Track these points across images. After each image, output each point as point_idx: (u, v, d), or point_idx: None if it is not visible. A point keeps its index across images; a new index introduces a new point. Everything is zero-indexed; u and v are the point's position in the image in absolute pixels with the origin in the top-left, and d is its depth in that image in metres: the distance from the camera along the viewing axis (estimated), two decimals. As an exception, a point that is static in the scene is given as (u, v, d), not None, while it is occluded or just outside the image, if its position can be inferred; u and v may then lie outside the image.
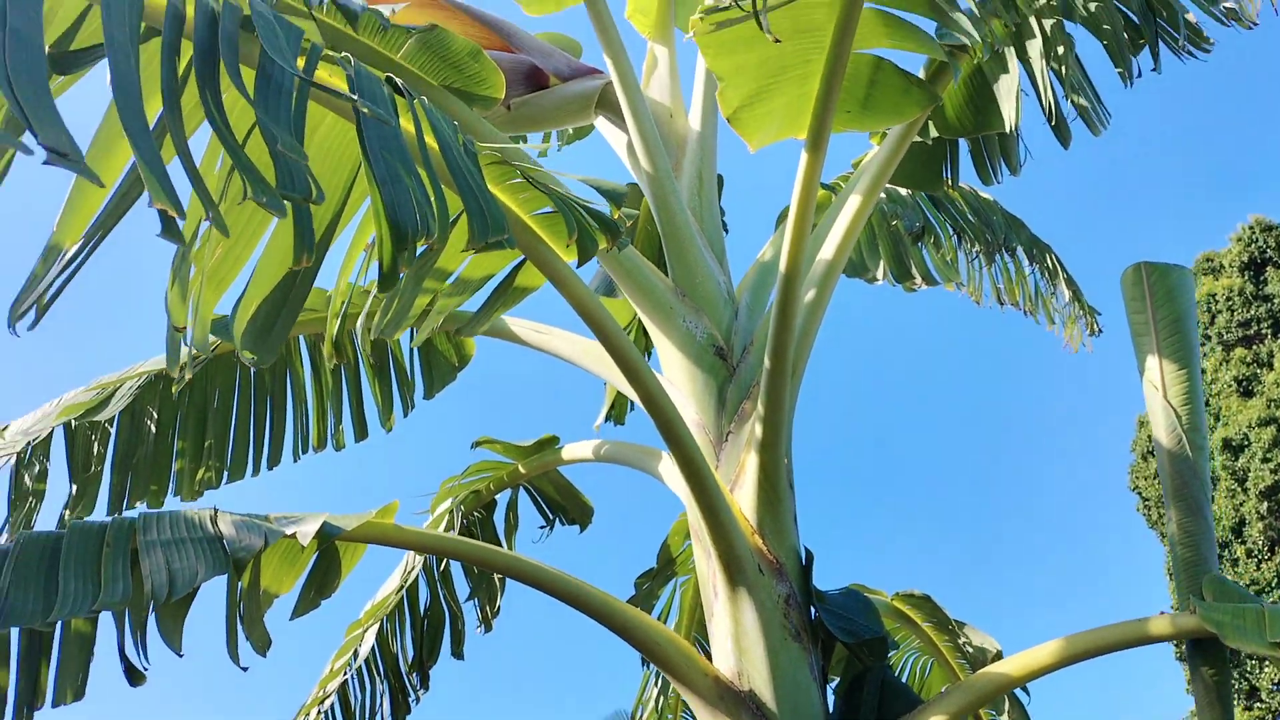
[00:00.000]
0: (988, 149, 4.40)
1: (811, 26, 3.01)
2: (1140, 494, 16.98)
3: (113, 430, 4.03)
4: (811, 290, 3.74)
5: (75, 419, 3.85)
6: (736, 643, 3.30)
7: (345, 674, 4.64)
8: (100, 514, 4.02)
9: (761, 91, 3.19)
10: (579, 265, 2.79)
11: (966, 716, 3.31)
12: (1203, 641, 3.25)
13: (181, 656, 2.70)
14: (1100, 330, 5.56)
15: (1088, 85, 3.95)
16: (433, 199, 2.16)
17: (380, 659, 4.70)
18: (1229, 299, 16.72)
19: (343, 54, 2.29)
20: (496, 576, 4.92)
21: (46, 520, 3.96)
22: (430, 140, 2.38)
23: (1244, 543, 14.83)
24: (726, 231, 5.19)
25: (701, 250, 3.92)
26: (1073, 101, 3.84)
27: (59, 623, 2.69)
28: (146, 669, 2.66)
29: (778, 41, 2.88)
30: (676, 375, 3.79)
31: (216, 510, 2.78)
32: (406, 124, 2.37)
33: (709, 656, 3.42)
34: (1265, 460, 14.92)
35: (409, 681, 4.75)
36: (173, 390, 4.03)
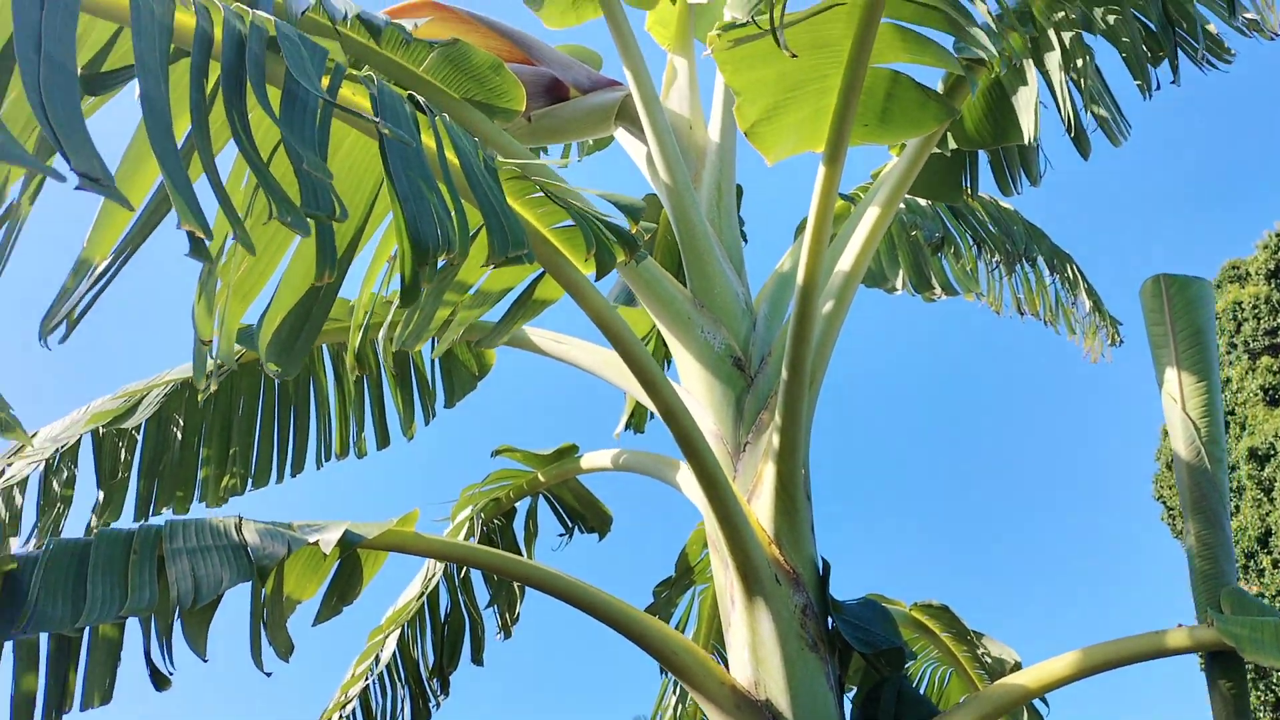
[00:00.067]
0: (1007, 160, 4.40)
1: (828, 42, 3.04)
2: (1165, 503, 16.84)
3: (140, 437, 4.10)
4: (830, 301, 3.76)
5: (103, 426, 3.91)
6: (753, 652, 3.32)
7: (367, 679, 4.69)
8: (127, 520, 4.08)
9: (779, 106, 3.22)
10: (597, 279, 2.83)
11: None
12: (1221, 655, 3.24)
13: (206, 661, 2.75)
14: (1121, 341, 5.55)
15: (1108, 96, 3.95)
16: (453, 215, 2.20)
17: (401, 664, 4.74)
18: (1255, 307, 16.57)
19: (365, 72, 2.33)
20: (515, 584, 4.96)
21: (74, 525, 4.02)
22: (451, 156, 2.42)
23: (1270, 553, 14.69)
24: (745, 242, 5.22)
25: (720, 261, 3.94)
26: (1092, 113, 3.85)
27: (87, 628, 2.74)
28: (172, 674, 2.72)
29: (794, 57, 2.90)
30: (694, 385, 3.82)
31: (241, 518, 2.83)
32: (428, 140, 2.41)
33: (727, 665, 3.45)
34: (1292, 470, 14.78)
35: (429, 687, 4.79)
36: (199, 398, 4.09)
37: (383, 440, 4.58)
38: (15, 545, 3.87)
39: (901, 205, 5.30)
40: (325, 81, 2.14)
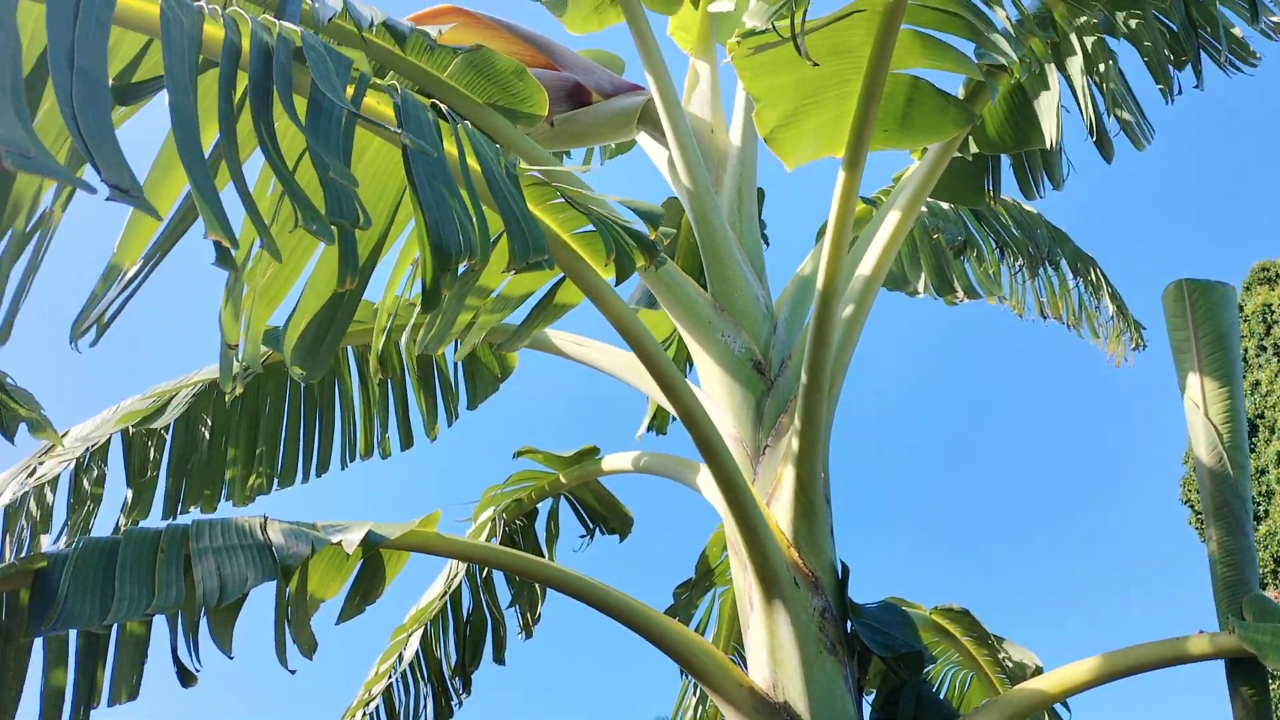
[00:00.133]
0: (1030, 163, 4.39)
1: (848, 48, 3.05)
2: (1192, 507, 16.70)
3: (168, 437, 4.16)
4: (850, 305, 3.77)
5: (133, 426, 3.98)
6: (772, 655, 3.33)
7: (390, 677, 4.74)
8: (155, 518, 4.15)
9: (798, 112, 3.24)
10: (618, 284, 2.85)
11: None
12: (1243, 662, 3.23)
13: (232, 659, 2.80)
14: (1145, 345, 5.52)
15: (1131, 99, 3.94)
16: (475, 221, 2.24)
17: (424, 663, 4.79)
18: (1285, 309, 16.39)
19: (389, 81, 2.38)
20: (537, 585, 5.00)
21: (104, 523, 4.09)
22: (473, 163, 2.45)
23: (1299, 558, 14.53)
24: (767, 245, 5.23)
25: (741, 265, 3.96)
26: (1115, 116, 3.84)
27: (115, 625, 2.80)
28: (198, 670, 2.77)
29: (816, 66, 2.92)
30: (714, 389, 3.84)
31: (266, 518, 2.88)
32: (450, 147, 2.44)
33: (747, 668, 3.46)
34: (1322, 474, 14.62)
35: (452, 686, 4.83)
36: (226, 399, 4.15)
37: (406, 441, 4.63)
38: (46, 543, 3.94)
39: (923, 208, 5.30)
40: (350, 91, 2.18)
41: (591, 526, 5.17)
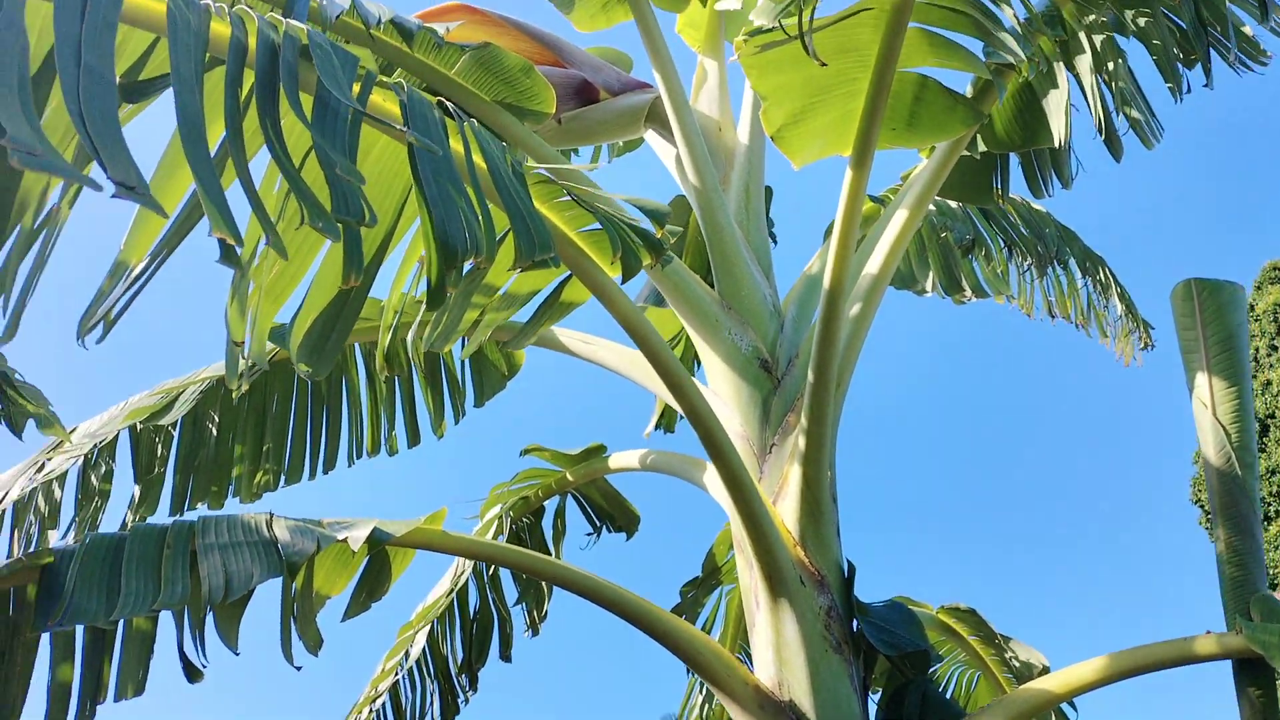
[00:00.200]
0: (1039, 162, 4.38)
1: (856, 46, 3.05)
2: (1202, 507, 16.64)
3: (175, 434, 4.18)
4: (857, 304, 3.76)
5: (140, 422, 3.99)
6: (777, 653, 3.33)
7: (397, 674, 4.75)
8: (163, 514, 4.17)
9: (805, 110, 3.23)
10: (624, 281, 2.85)
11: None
12: (1250, 662, 3.22)
13: (238, 655, 2.81)
14: (1154, 344, 5.50)
15: (1140, 98, 3.92)
16: (480, 219, 2.24)
17: (430, 660, 4.80)
18: (1297, 309, 16.32)
19: (396, 79, 2.38)
20: (543, 582, 5.00)
21: (111, 519, 4.11)
22: (479, 161, 2.45)
23: (1310, 558, 14.47)
24: (775, 243, 5.23)
25: (748, 263, 3.96)
26: (1125, 115, 3.82)
27: (121, 621, 2.81)
28: (205, 666, 2.78)
29: (824, 66, 2.91)
30: (721, 387, 3.84)
31: (272, 515, 2.89)
32: (456, 145, 2.44)
33: (753, 666, 3.46)
34: (1333, 475, 14.55)
35: (458, 683, 4.84)
36: (233, 396, 4.16)
37: (413, 438, 4.64)
38: (54, 539, 3.96)
39: (932, 207, 5.29)
40: (356, 88, 2.18)
41: (598, 524, 5.17)
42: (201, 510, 4.18)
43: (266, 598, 3.01)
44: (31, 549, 3.90)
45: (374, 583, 3.50)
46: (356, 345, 4.43)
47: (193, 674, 2.76)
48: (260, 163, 2.44)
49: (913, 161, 4.74)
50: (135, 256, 2.29)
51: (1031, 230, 5.34)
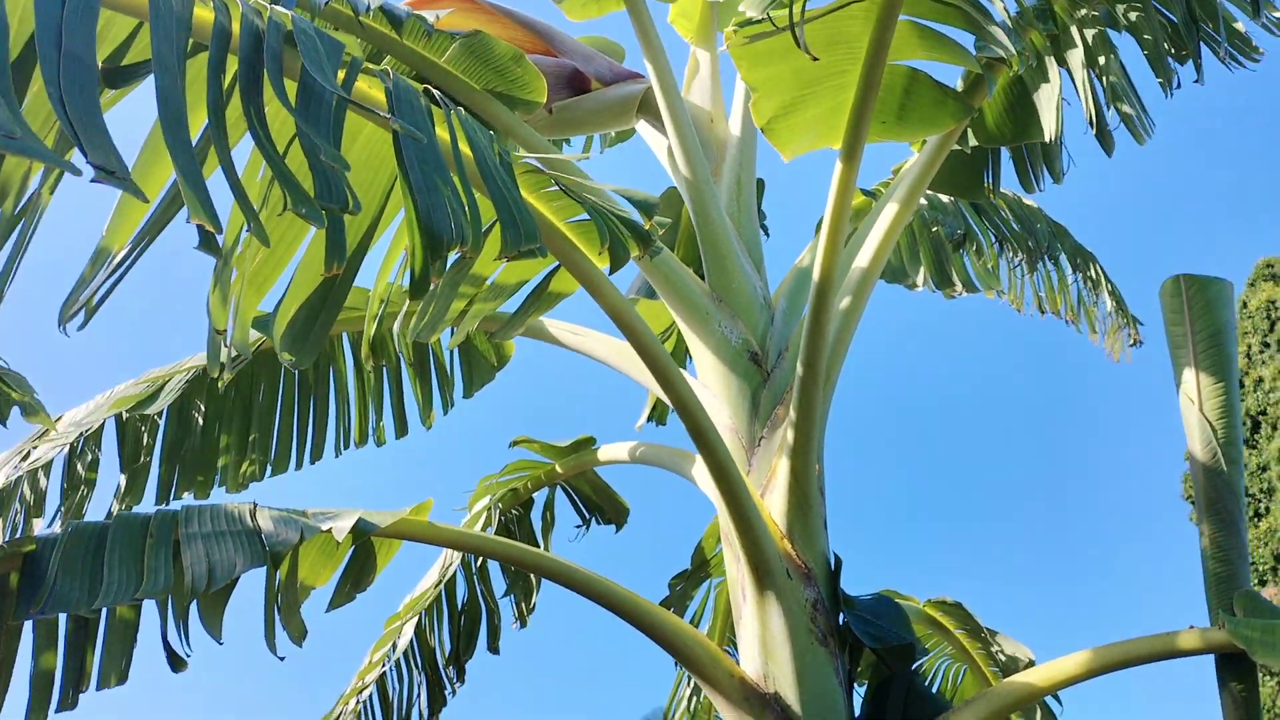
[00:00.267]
0: (1030, 156, 4.38)
1: (846, 39, 3.04)
2: (1194, 503, 16.68)
3: (161, 423, 4.16)
4: (846, 298, 3.76)
5: (126, 411, 3.97)
6: (763, 645, 3.33)
7: (384, 665, 4.74)
8: (149, 504, 4.14)
9: (795, 102, 3.22)
10: (611, 272, 2.84)
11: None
12: (1232, 657, 3.23)
13: (221, 644, 2.80)
14: (1142, 341, 5.51)
15: (1132, 92, 3.92)
16: (466, 208, 2.22)
17: (418, 652, 4.79)
18: (1289, 306, 16.35)
19: (382, 66, 2.36)
20: (531, 574, 4.99)
21: (97, 509, 4.09)
22: (465, 150, 2.44)
23: (1300, 554, 14.53)
24: (767, 235, 5.22)
25: (738, 255, 3.95)
26: (1116, 110, 3.82)
27: (104, 609, 2.80)
28: (188, 656, 2.77)
29: (816, 60, 2.90)
30: (711, 379, 3.83)
31: (255, 505, 2.88)
32: (442, 134, 2.43)
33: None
34: (1323, 471, 14.60)
35: (445, 675, 4.84)
36: (219, 385, 4.14)
37: (401, 429, 4.62)
38: (40, 527, 3.94)
39: (923, 201, 5.29)
40: (341, 75, 2.17)
41: (588, 517, 5.17)
42: (187, 500, 4.16)
43: (254, 589, 3.01)
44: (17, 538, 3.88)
45: (359, 573, 3.50)
46: (344, 335, 4.42)
47: (176, 663, 2.76)
48: (244, 150, 2.42)
49: (905, 155, 4.73)
50: (117, 243, 2.28)
51: (1022, 225, 5.34)
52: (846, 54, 3.09)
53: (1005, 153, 4.38)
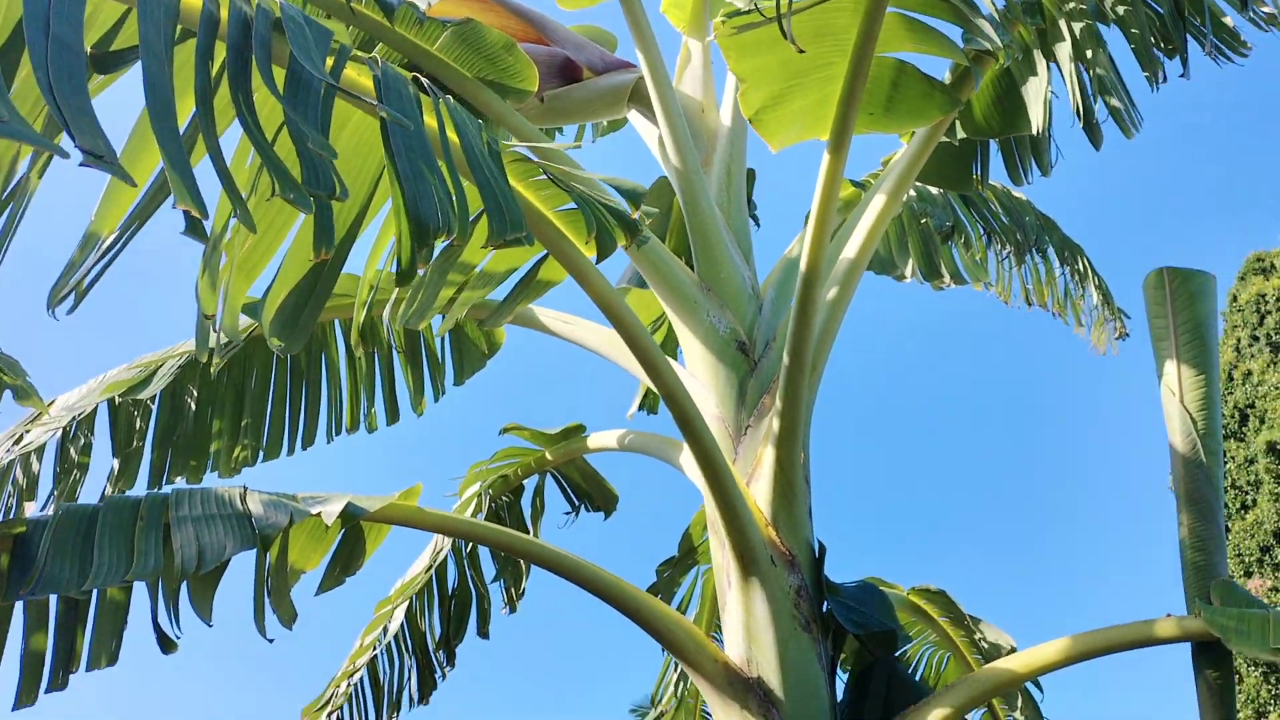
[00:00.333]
0: (1018, 149, 4.40)
1: (834, 30, 3.06)
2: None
3: (154, 408, 4.18)
4: (833, 288, 3.78)
5: (119, 396, 3.99)
6: (747, 631, 3.37)
7: (375, 650, 4.78)
8: (141, 489, 4.17)
9: (783, 93, 3.24)
10: (598, 261, 2.87)
11: (972, 710, 3.36)
12: (1208, 645, 3.28)
13: (211, 626, 2.83)
14: (1128, 334, 5.55)
15: (1120, 86, 3.94)
16: (454, 196, 2.25)
17: (409, 636, 4.83)
18: (1279, 299, 16.41)
19: (371, 54, 2.38)
20: (521, 560, 5.03)
21: (90, 493, 4.11)
22: (453, 138, 2.46)
23: (1286, 547, 14.61)
24: (757, 226, 5.24)
25: (727, 245, 3.97)
26: (1105, 103, 3.84)
27: (94, 591, 2.83)
28: (179, 637, 2.80)
29: (802, 53, 2.92)
30: (699, 368, 3.86)
31: (246, 488, 2.90)
32: (430, 122, 2.45)
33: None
34: (1310, 464, 14.68)
35: (435, 659, 4.88)
36: (211, 371, 4.16)
37: (392, 416, 4.65)
38: (32, 510, 3.97)
39: (912, 193, 5.31)
40: (330, 63, 2.19)
41: (577, 504, 5.20)
42: (180, 484, 4.19)
43: (245, 572, 3.04)
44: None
45: (348, 558, 3.53)
46: (336, 321, 4.44)
47: (166, 645, 2.78)
48: (233, 137, 2.44)
49: (894, 147, 4.75)
50: (106, 228, 2.30)
51: (1011, 218, 5.37)
52: (834, 45, 3.11)
53: (994, 145, 4.40)
